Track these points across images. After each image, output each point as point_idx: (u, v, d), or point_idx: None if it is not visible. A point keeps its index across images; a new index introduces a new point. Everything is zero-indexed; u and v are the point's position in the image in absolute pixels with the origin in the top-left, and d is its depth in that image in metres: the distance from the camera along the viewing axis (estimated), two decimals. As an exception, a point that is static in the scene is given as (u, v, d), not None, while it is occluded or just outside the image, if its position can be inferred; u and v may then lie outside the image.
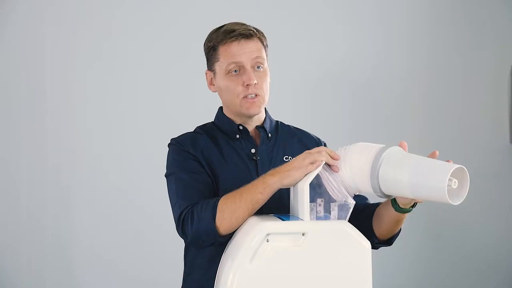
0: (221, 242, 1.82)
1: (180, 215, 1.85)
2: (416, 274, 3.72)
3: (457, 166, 1.62)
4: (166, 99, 3.44)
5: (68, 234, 3.35)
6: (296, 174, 1.74)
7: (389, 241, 1.97)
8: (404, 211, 1.84)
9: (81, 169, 3.36)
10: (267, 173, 1.79)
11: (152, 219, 3.37)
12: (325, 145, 2.10)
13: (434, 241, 3.74)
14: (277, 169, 1.77)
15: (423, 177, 1.64)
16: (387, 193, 1.73)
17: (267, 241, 1.65)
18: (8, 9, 3.30)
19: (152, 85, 3.44)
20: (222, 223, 1.79)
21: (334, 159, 1.75)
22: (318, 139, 2.12)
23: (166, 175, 1.98)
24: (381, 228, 1.91)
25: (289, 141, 2.06)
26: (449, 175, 1.60)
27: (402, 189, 1.69)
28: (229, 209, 1.78)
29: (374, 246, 1.89)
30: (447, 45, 3.75)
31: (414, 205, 1.83)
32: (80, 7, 3.38)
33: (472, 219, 3.75)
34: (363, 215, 1.93)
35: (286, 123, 2.13)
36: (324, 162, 1.74)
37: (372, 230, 1.92)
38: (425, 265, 3.73)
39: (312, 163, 1.73)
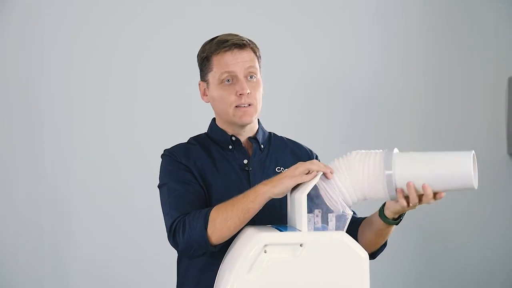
0: (212, 252, 1.83)
1: (171, 224, 1.86)
2: (413, 284, 3.71)
3: (471, 151, 1.69)
4: (164, 106, 3.44)
5: (65, 241, 3.34)
6: (288, 183, 1.74)
7: (373, 255, 1.97)
8: (390, 222, 1.85)
9: (79, 174, 3.36)
10: (260, 183, 1.80)
11: (152, 227, 3.36)
12: (316, 157, 2.12)
13: (432, 251, 3.73)
14: (270, 179, 1.78)
15: (446, 167, 1.69)
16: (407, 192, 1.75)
17: (265, 251, 1.65)
18: (6, 10, 3.30)
19: (150, 91, 3.43)
20: (214, 232, 1.79)
21: (325, 170, 1.75)
22: (310, 151, 2.13)
23: (159, 186, 1.99)
24: (365, 240, 1.92)
25: (282, 152, 2.06)
26: (471, 159, 1.67)
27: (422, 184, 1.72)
28: (221, 219, 1.78)
29: None
30: (445, 55, 3.75)
31: (401, 217, 1.85)
32: (80, 8, 3.37)
33: (470, 229, 3.75)
34: (349, 228, 1.92)
35: (280, 135, 2.13)
36: (322, 173, 1.74)
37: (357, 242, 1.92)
38: (422, 276, 3.72)
39: (305, 173, 1.74)
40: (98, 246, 3.36)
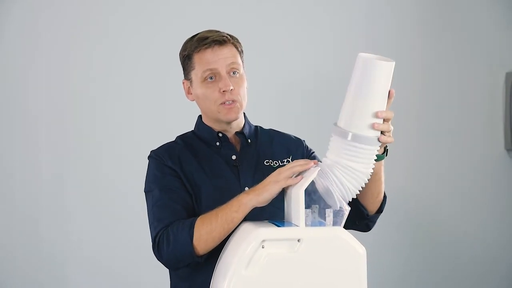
0: (197, 262, 1.84)
1: (155, 237, 1.87)
2: (410, 281, 3.72)
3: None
4: (164, 106, 3.44)
5: (63, 241, 3.34)
6: (273, 190, 1.75)
7: (379, 209, 1.96)
8: (380, 157, 1.84)
9: (77, 174, 3.35)
10: (242, 192, 1.81)
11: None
12: (304, 143, 2.10)
13: (429, 247, 3.73)
14: (252, 188, 1.79)
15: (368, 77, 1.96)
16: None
17: (263, 247, 1.66)
18: (6, 9, 3.31)
19: (150, 91, 3.43)
20: (200, 243, 1.80)
21: (308, 166, 1.75)
22: (298, 139, 2.12)
23: (145, 191, 2.00)
24: (366, 194, 1.89)
25: (270, 145, 2.06)
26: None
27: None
28: (205, 230, 1.80)
29: (367, 220, 1.95)
30: (441, 53, 3.75)
31: (386, 149, 1.87)
32: (80, 8, 3.38)
33: (468, 225, 3.75)
34: None
35: (267, 128, 2.12)
36: (319, 169, 1.75)
37: (359, 201, 1.91)
38: (420, 272, 3.72)
39: (290, 177, 1.74)
40: (97, 246, 3.35)
